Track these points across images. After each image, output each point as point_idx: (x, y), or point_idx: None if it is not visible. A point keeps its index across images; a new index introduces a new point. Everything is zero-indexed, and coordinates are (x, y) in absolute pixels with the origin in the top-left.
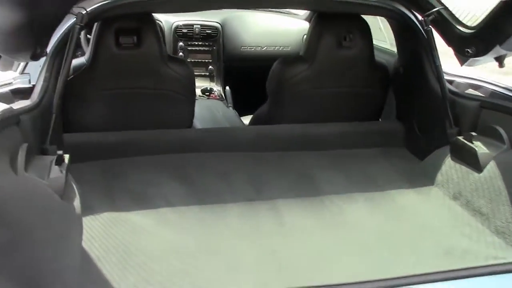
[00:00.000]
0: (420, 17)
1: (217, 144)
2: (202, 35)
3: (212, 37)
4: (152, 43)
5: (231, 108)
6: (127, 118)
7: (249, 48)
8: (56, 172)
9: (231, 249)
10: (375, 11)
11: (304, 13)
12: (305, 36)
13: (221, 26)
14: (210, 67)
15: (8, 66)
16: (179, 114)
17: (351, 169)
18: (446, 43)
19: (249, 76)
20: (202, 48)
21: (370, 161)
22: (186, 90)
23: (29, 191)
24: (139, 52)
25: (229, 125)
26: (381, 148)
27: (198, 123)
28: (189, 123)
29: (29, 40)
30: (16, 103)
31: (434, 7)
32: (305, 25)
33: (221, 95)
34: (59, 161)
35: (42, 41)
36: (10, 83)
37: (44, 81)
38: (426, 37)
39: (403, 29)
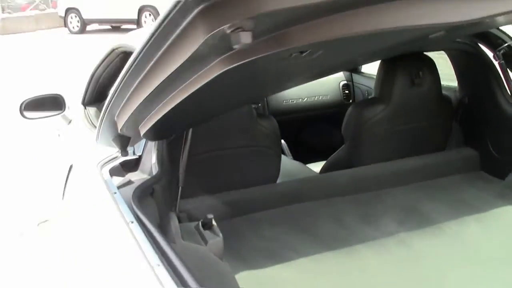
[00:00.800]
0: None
1: (316, 192)
2: None
3: None
4: None
5: (292, 159)
6: (220, 178)
7: (291, 101)
8: (213, 237)
9: (385, 284)
10: (448, 46)
11: None
12: (341, 83)
13: None
14: None
15: None
16: (269, 169)
17: (446, 197)
18: None
19: (295, 127)
20: None
21: (459, 187)
22: (275, 145)
23: (201, 258)
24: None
25: (304, 176)
26: (462, 174)
27: None
28: (276, 177)
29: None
30: (128, 176)
31: (505, 42)
32: (339, 73)
33: None
34: (209, 225)
35: None
36: (116, 157)
37: (157, 150)
38: (498, 69)
39: (469, 63)
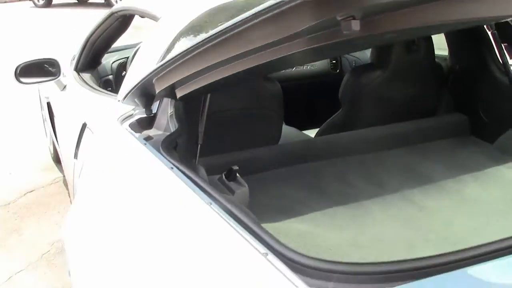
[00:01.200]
0: None
1: (320, 153)
2: None
3: None
4: None
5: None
6: (226, 139)
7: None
8: (238, 187)
9: (395, 235)
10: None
11: None
12: None
13: None
14: None
15: None
16: (272, 130)
17: (442, 159)
18: (502, 41)
19: (285, 95)
20: None
21: (453, 150)
22: (278, 107)
23: (233, 206)
24: None
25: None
26: (454, 138)
27: None
28: (278, 139)
29: None
30: (145, 132)
31: None
32: None
33: None
34: (233, 176)
35: None
36: (131, 114)
37: (174, 107)
38: (491, 38)
39: (461, 31)
